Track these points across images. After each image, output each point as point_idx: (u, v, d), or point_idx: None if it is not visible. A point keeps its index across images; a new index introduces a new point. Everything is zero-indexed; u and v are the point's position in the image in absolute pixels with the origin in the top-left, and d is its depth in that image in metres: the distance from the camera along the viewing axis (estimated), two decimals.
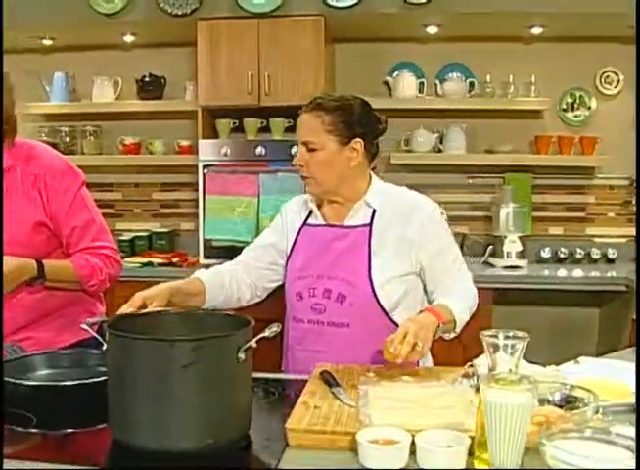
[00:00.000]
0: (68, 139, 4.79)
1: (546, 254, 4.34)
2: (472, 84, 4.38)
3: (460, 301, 2.12)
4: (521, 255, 4.20)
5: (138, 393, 1.40)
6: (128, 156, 4.69)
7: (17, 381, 1.74)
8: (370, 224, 2.18)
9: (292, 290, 2.24)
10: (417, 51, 4.56)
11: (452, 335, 2.10)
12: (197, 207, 4.41)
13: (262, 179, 4.06)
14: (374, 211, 2.19)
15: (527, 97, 4.33)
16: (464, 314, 2.10)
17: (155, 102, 4.59)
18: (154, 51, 4.72)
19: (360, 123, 2.17)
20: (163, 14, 4.14)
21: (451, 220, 4.29)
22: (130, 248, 4.54)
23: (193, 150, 4.50)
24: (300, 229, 2.29)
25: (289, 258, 2.28)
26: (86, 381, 1.72)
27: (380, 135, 2.26)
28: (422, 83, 4.44)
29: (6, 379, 1.74)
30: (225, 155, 4.15)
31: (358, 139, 2.15)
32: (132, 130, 4.72)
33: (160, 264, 4.23)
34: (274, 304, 2.41)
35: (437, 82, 4.44)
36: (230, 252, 3.47)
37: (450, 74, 4.44)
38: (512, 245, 4.18)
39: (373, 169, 2.30)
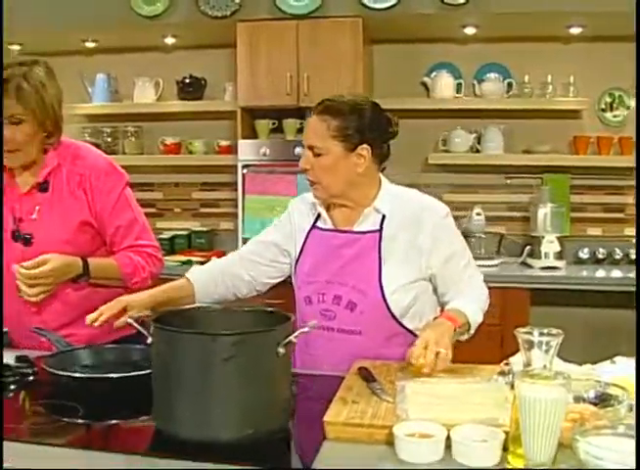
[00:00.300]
0: (110, 139, 4.89)
1: (584, 254, 4.33)
2: (510, 84, 4.39)
3: (472, 302, 2.12)
4: (559, 255, 4.19)
5: (181, 385, 1.44)
6: (169, 156, 4.78)
7: (64, 373, 1.80)
8: (379, 230, 2.14)
9: (300, 294, 2.23)
10: (455, 51, 4.58)
11: (466, 336, 2.10)
12: (236, 206, 4.48)
13: (301, 179, 4.10)
14: (383, 216, 2.14)
15: (566, 97, 4.32)
16: (477, 316, 2.10)
17: (195, 103, 4.67)
18: (194, 52, 4.80)
19: (369, 129, 2.10)
20: (204, 16, 4.21)
21: (488, 220, 4.35)
22: (170, 246, 4.61)
23: (232, 150, 4.56)
24: (309, 232, 2.25)
25: (297, 260, 2.26)
26: (130, 374, 1.78)
27: (391, 139, 2.20)
28: (459, 84, 4.45)
29: (53, 371, 1.80)
30: (264, 155, 4.21)
31: (365, 145, 2.08)
32: (173, 130, 4.81)
33: (198, 263, 4.29)
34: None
35: (475, 83, 4.46)
36: None
37: (488, 75, 4.44)
38: (550, 245, 4.17)
39: (383, 170, 2.25)
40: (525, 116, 4.40)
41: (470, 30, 4.30)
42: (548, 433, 1.30)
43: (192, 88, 4.70)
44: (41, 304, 2.26)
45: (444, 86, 4.41)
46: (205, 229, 4.81)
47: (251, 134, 4.42)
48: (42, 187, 2.31)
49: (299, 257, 2.24)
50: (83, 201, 2.32)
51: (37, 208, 2.30)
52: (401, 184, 4.56)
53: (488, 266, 4.17)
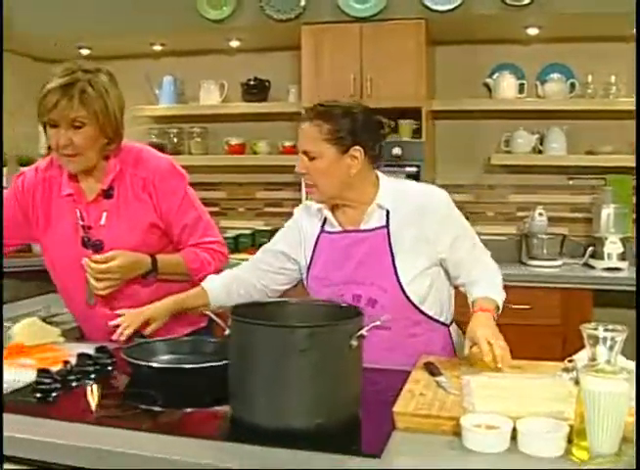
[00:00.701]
0: (175, 140, 5.03)
1: None
2: (573, 85, 4.38)
3: (493, 285, 2.19)
4: (621, 256, 4.17)
5: (258, 374, 1.52)
6: (233, 156, 4.88)
7: (142, 363, 1.90)
8: (386, 226, 2.20)
9: (318, 297, 2.25)
10: (517, 52, 4.58)
11: (496, 317, 2.15)
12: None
13: None
14: (387, 211, 2.20)
15: (629, 98, 4.28)
16: (502, 295, 2.18)
17: (259, 104, 4.78)
18: (258, 55, 4.92)
19: (360, 131, 2.14)
20: (269, 19, 4.30)
21: (551, 221, 4.35)
22: (234, 245, 4.70)
23: (296, 150, 4.63)
24: (318, 237, 2.30)
25: (309, 267, 2.31)
26: (205, 365, 1.87)
27: (382, 140, 2.24)
28: (522, 84, 4.46)
29: (133, 361, 1.90)
30: None
31: (358, 147, 2.13)
32: (237, 131, 4.91)
33: None
34: None
35: (538, 83, 4.46)
36: None
37: (551, 75, 4.45)
38: (613, 246, 4.15)
39: (377, 168, 2.28)
40: (588, 116, 4.38)
41: (532, 31, 4.31)
42: (612, 426, 1.35)
43: (256, 90, 4.81)
44: (111, 299, 2.37)
45: (507, 87, 4.42)
46: (269, 228, 4.90)
47: None
48: (107, 194, 2.39)
49: (311, 262, 2.30)
50: (149, 204, 2.39)
51: (105, 214, 2.38)
52: (464, 185, 4.64)
53: (550, 267, 4.18)
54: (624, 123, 4.35)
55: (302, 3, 4.20)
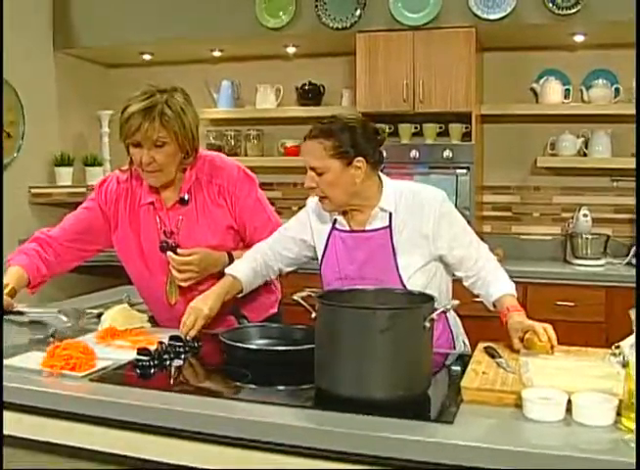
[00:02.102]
0: (232, 142, 5.25)
1: None
2: (617, 90, 4.52)
3: (504, 280, 2.37)
4: None
5: (343, 352, 1.73)
6: (287, 157, 5.10)
7: (236, 344, 2.14)
8: (389, 226, 2.38)
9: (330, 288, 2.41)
10: (563, 58, 4.74)
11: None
12: None
13: (416, 181, 4.32)
14: (390, 213, 2.38)
15: None
16: (513, 286, 2.35)
17: (313, 108, 4.97)
18: (312, 60, 5.13)
19: (360, 142, 2.29)
20: (325, 27, 4.51)
21: (595, 222, 4.50)
22: None
23: None
24: (330, 233, 2.48)
25: (322, 260, 2.50)
26: (298, 347, 2.09)
27: (380, 145, 2.39)
28: (568, 90, 4.61)
29: (232, 343, 2.14)
30: None
31: (360, 158, 2.29)
32: (292, 134, 5.11)
33: None
34: None
35: (583, 88, 4.60)
36: None
37: (596, 81, 4.59)
38: None
39: (382, 169, 2.45)
40: (631, 120, 4.48)
41: (578, 38, 4.46)
42: None
43: (310, 94, 5.02)
44: (190, 297, 2.54)
45: (553, 92, 4.58)
46: None
47: None
48: (183, 201, 2.61)
49: (324, 257, 2.51)
50: (225, 208, 2.62)
51: (180, 218, 2.61)
52: (511, 186, 4.80)
53: (594, 266, 4.34)
54: None
55: (358, 12, 4.41)
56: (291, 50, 5.00)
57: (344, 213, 2.45)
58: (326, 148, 2.28)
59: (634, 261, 4.36)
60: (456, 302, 1.88)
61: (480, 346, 2.16)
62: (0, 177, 4.56)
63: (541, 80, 4.70)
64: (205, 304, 2.36)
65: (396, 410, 1.68)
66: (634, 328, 1.67)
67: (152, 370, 2.05)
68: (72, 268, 2.85)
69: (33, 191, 5.00)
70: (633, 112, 4.43)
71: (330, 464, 1.63)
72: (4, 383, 1.93)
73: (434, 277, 2.42)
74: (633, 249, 4.37)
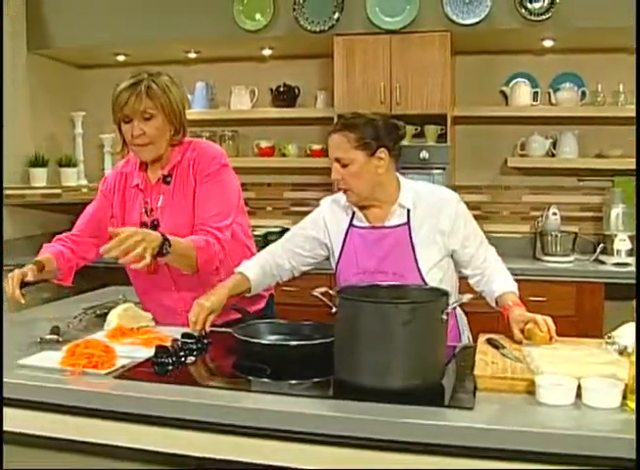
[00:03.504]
0: None
1: None
2: (583, 93, 4.70)
3: (508, 279, 2.54)
4: (630, 252, 4.48)
5: (365, 344, 1.82)
6: (263, 158, 5.17)
7: (254, 340, 2.22)
8: (407, 222, 2.51)
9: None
10: (532, 62, 4.90)
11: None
12: None
13: None
14: (408, 210, 2.51)
15: None
16: (515, 285, 2.52)
17: (289, 109, 5.05)
18: (287, 62, 5.20)
19: (382, 135, 2.44)
20: (303, 30, 4.59)
21: (562, 220, 4.65)
22: (263, 242, 4.95)
23: (323, 153, 4.95)
24: (348, 230, 2.59)
25: (339, 256, 2.61)
26: (314, 342, 2.17)
27: (401, 140, 2.54)
28: (536, 92, 4.78)
29: (248, 339, 2.21)
30: None
31: (382, 149, 2.44)
32: (267, 135, 5.21)
33: None
34: None
35: (551, 91, 4.77)
36: None
37: (563, 84, 4.76)
38: (622, 243, 4.46)
39: (397, 171, 2.59)
40: (597, 122, 4.70)
41: (547, 43, 4.61)
42: None
43: (286, 96, 5.09)
44: (187, 289, 2.64)
45: (522, 95, 4.73)
46: None
47: None
48: (166, 180, 2.67)
49: (342, 253, 2.61)
50: (192, 186, 2.63)
51: (161, 197, 2.67)
52: (481, 186, 4.94)
53: (564, 263, 4.49)
54: (632, 129, 4.64)
55: (336, 15, 4.49)
56: (267, 52, 5.06)
57: (361, 209, 2.54)
58: (350, 140, 2.42)
59: (601, 258, 4.53)
60: (470, 295, 1.99)
61: (482, 338, 2.27)
62: (0, 177, 4.55)
63: (511, 83, 4.86)
64: (207, 299, 2.42)
65: (416, 398, 1.78)
66: (635, 319, 1.80)
67: (170, 367, 2.11)
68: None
69: (7, 192, 4.93)
70: (598, 114, 4.62)
71: (357, 452, 1.71)
72: (25, 382, 1.99)
73: (447, 272, 2.55)
74: (600, 245, 4.54)
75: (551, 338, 2.22)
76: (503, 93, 4.90)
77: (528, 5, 4.23)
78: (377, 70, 4.51)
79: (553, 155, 4.74)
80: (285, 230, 5.05)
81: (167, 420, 1.85)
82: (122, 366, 2.09)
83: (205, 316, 2.38)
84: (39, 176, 5.10)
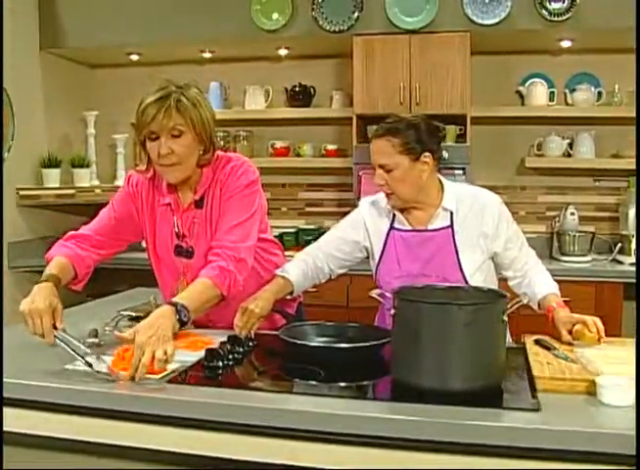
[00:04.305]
0: (222, 143, 5.27)
1: None
2: (600, 93, 4.71)
3: (550, 281, 2.54)
4: None
5: (426, 345, 1.81)
6: (278, 158, 5.16)
7: (303, 342, 2.21)
8: (451, 226, 2.50)
9: (388, 288, 2.40)
10: (548, 62, 4.91)
11: None
12: (339, 205, 4.90)
13: None
14: (451, 213, 2.50)
15: None
16: (556, 286, 2.53)
17: (303, 109, 5.05)
18: (301, 62, 5.19)
19: (425, 139, 2.42)
20: (321, 30, 4.58)
21: (580, 220, 4.65)
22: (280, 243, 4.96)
23: (338, 153, 4.95)
24: (389, 233, 2.58)
25: (380, 259, 2.59)
26: (366, 344, 2.14)
27: (442, 142, 2.54)
28: (552, 93, 4.79)
29: (297, 342, 2.20)
30: None
31: (427, 153, 2.43)
32: (282, 135, 5.20)
33: None
34: None
35: (567, 92, 4.78)
36: None
37: (579, 84, 4.76)
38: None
39: (439, 171, 2.57)
40: (613, 122, 4.71)
41: (565, 43, 4.62)
42: None
43: (301, 96, 5.08)
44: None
45: (538, 95, 4.74)
46: (311, 227, 5.19)
47: (364, 139, 4.63)
48: (198, 204, 2.53)
49: (382, 256, 2.59)
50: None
51: (195, 221, 2.54)
52: (498, 186, 4.95)
53: (581, 263, 4.50)
54: None
55: (355, 15, 4.49)
56: (282, 52, 5.04)
57: (403, 212, 2.53)
58: (394, 145, 2.40)
59: (618, 257, 4.53)
60: (527, 297, 1.99)
61: (529, 339, 2.27)
62: (0, 177, 4.53)
63: (527, 83, 4.87)
64: (256, 305, 2.40)
65: (478, 400, 1.77)
66: (635, 319, 1.81)
67: (220, 371, 2.09)
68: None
69: (21, 193, 4.93)
70: (615, 114, 4.63)
71: (421, 455, 1.69)
72: (76, 387, 1.95)
73: (489, 274, 2.54)
74: (617, 245, 4.54)
75: (599, 338, 2.21)
76: (519, 93, 4.91)
77: (548, 5, 4.23)
78: (396, 71, 4.51)
79: (569, 155, 4.75)
80: (300, 231, 5.10)
81: (228, 425, 1.81)
82: (173, 371, 2.06)
83: (254, 323, 2.39)
84: (52, 177, 5.07)
